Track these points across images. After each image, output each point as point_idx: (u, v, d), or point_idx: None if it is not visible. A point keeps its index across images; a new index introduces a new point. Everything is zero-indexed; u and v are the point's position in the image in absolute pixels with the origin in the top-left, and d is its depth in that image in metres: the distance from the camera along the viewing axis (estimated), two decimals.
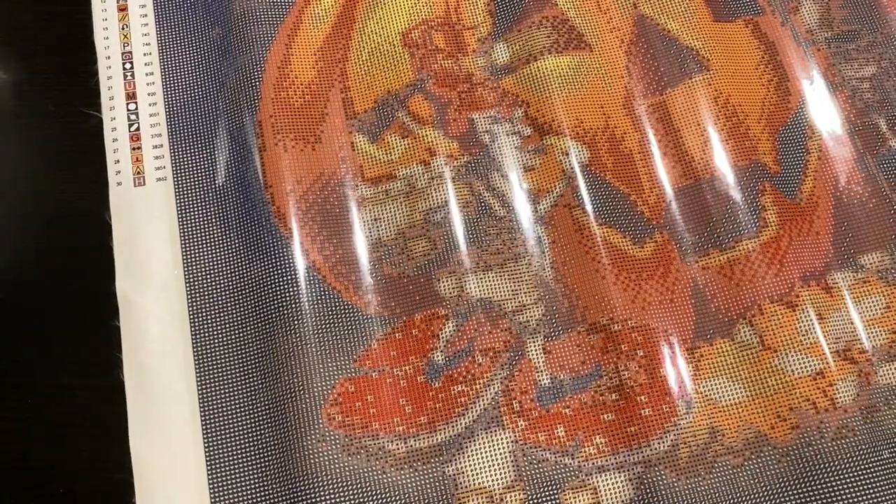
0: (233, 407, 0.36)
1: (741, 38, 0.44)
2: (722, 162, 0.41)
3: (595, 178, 0.41)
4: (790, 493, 0.35)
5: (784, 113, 0.43)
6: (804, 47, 0.44)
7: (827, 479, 0.35)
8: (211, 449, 0.35)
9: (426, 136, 0.41)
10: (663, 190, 0.41)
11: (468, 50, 0.44)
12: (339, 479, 0.35)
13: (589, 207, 0.40)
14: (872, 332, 0.38)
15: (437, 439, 0.36)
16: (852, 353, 0.37)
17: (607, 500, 0.35)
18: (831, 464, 0.35)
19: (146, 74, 0.42)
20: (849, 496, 0.34)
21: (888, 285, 0.39)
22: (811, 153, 0.42)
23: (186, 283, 0.38)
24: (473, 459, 0.35)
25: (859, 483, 0.35)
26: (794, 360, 0.37)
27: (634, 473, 0.35)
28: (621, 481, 0.35)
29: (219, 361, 0.37)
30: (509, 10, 0.44)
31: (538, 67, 0.42)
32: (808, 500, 0.35)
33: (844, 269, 0.39)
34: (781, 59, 0.44)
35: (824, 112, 0.43)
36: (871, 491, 0.35)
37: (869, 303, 0.39)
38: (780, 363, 0.37)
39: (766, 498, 0.35)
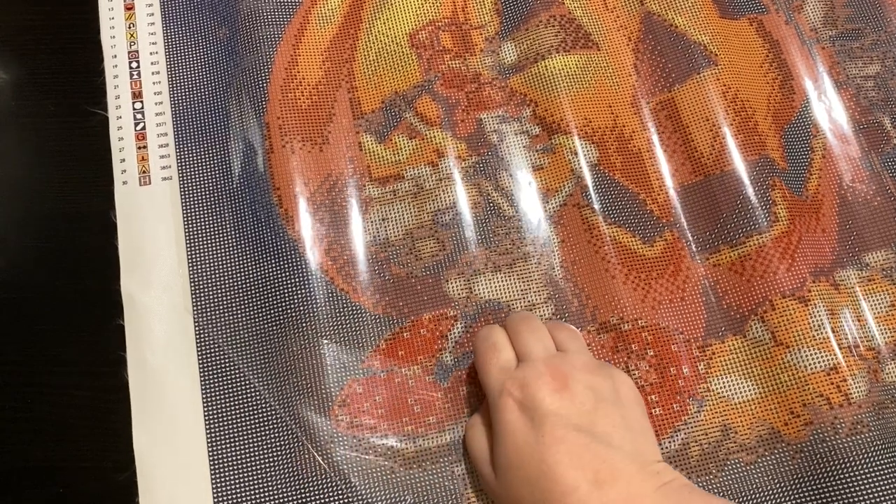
0: (237, 407, 0.36)
1: (746, 35, 0.44)
2: (731, 157, 0.41)
3: (604, 177, 0.41)
4: (804, 489, 0.35)
5: (789, 111, 0.43)
6: (808, 46, 0.45)
7: (842, 475, 0.34)
8: (215, 449, 0.35)
9: (434, 137, 0.41)
10: (672, 188, 0.41)
11: (476, 49, 0.44)
12: (348, 480, 0.34)
13: (598, 206, 0.40)
14: (878, 330, 0.38)
15: (445, 439, 0.35)
16: (861, 350, 0.37)
17: None
18: (846, 460, 0.35)
19: (152, 74, 0.42)
20: (863, 491, 0.34)
21: (893, 283, 0.39)
22: (816, 151, 0.42)
23: (191, 282, 0.38)
24: None
25: (874, 478, 0.34)
26: (806, 356, 0.36)
27: None
28: None
29: (223, 361, 0.36)
30: (516, 8, 0.45)
31: (546, 66, 0.42)
32: (822, 496, 0.34)
33: (850, 268, 0.39)
34: (786, 58, 0.44)
35: (829, 110, 0.43)
36: (887, 486, 0.34)
37: (874, 301, 0.39)
38: (792, 359, 0.36)
39: (779, 495, 0.34)
